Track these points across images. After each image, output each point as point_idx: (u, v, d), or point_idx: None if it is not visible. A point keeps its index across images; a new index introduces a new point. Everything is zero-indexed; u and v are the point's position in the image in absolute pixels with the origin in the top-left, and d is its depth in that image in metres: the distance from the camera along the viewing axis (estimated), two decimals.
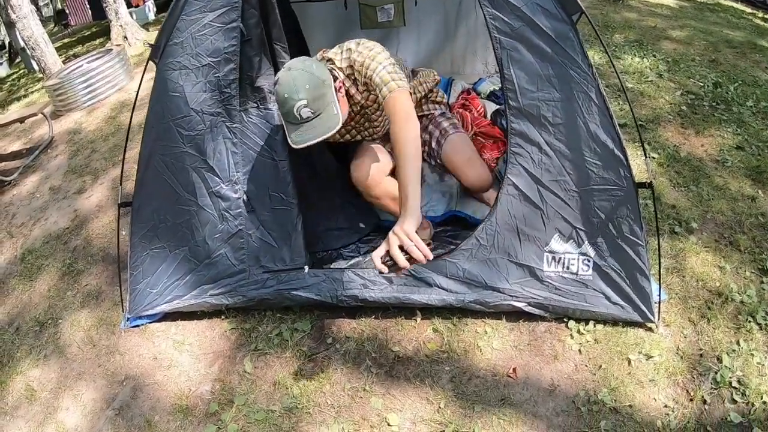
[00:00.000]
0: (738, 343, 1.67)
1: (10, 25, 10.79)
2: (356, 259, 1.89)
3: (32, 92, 6.85)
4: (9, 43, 11.31)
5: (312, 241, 1.87)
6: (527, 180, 1.53)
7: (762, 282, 1.92)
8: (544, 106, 1.49)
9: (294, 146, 1.40)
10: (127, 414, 1.76)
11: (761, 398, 1.50)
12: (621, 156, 1.52)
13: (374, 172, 1.72)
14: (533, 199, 1.53)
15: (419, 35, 2.94)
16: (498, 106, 2.48)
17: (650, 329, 1.68)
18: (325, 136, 1.39)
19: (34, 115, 4.47)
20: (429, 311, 1.72)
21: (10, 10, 5.70)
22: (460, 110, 2.35)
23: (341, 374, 1.64)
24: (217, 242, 1.79)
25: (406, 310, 1.73)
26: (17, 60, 10.67)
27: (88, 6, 8.36)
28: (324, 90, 1.41)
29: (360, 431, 1.49)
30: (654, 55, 4.21)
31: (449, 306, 1.65)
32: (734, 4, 7.62)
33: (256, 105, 1.64)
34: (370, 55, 1.48)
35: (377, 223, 2.04)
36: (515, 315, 1.68)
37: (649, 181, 1.54)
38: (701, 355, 1.64)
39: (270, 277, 1.77)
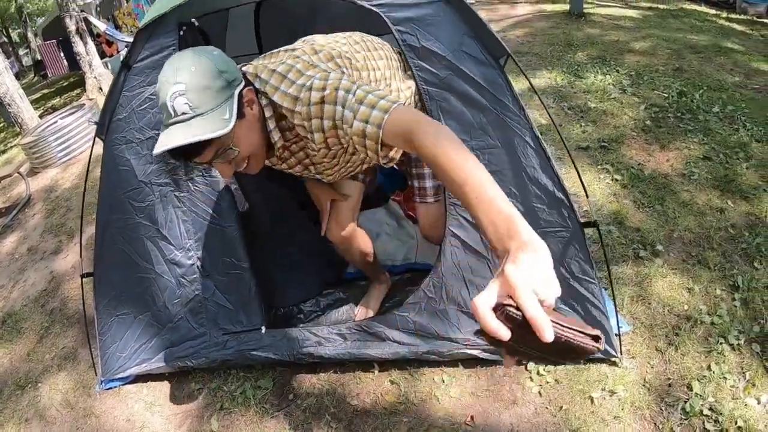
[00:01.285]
0: (709, 367, 1.64)
1: None
2: (315, 314, 1.90)
3: (11, 147, 6.93)
4: None
5: (271, 296, 1.89)
6: (469, 230, 1.54)
7: (733, 299, 1.88)
8: (480, 154, 1.51)
9: (153, 152, 1.04)
10: None
11: (735, 423, 1.47)
12: (562, 197, 1.53)
13: (348, 230, 1.63)
14: (476, 248, 1.54)
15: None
16: None
17: (614, 363, 1.65)
18: (194, 140, 0.99)
19: (10, 175, 4.54)
20: (386, 363, 1.72)
21: None
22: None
23: (302, 430, 1.64)
24: (177, 307, 1.81)
25: (364, 363, 1.73)
26: None
27: (63, 57, 8.52)
28: (218, 84, 1.03)
29: None
30: (617, 70, 4.24)
31: (404, 358, 1.65)
32: (698, 8, 7.70)
33: (201, 173, 1.67)
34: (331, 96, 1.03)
35: (337, 275, 2.06)
36: (472, 361, 1.67)
37: (593, 219, 1.55)
38: (669, 385, 1.61)
39: (230, 339, 1.78)
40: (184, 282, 1.77)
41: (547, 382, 1.62)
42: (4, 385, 2.41)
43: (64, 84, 10.28)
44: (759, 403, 1.52)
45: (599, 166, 2.82)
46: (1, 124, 9.14)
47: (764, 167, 2.74)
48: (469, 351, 1.60)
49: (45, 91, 10.38)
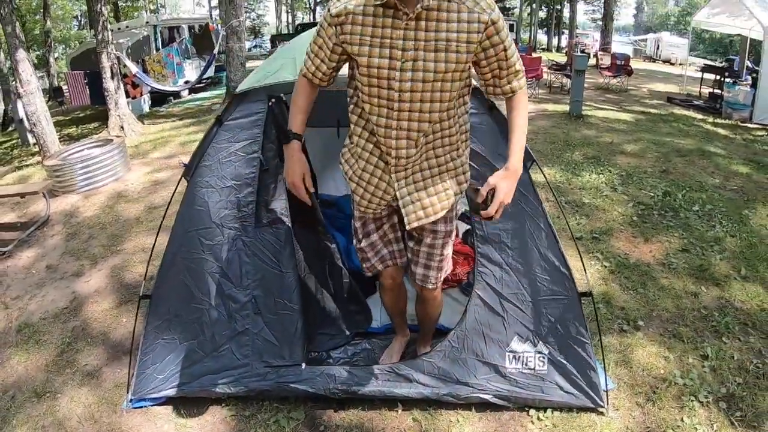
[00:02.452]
0: (682, 419, 2.06)
1: (7, 93, 11.46)
2: (343, 360, 2.25)
3: (26, 165, 7.27)
4: (4, 110, 11.90)
5: (304, 342, 2.21)
6: (490, 293, 1.95)
7: (703, 366, 2.35)
8: (503, 234, 1.97)
9: None
10: None
11: None
12: (565, 272, 1.97)
13: (400, 276, 2.01)
14: (496, 308, 1.95)
15: None
16: (468, 227, 2.97)
17: (601, 413, 2.06)
18: None
19: (36, 193, 4.82)
20: (409, 403, 2.08)
21: (18, 84, 6.19)
22: None
23: None
24: (224, 338, 2.14)
25: (389, 401, 2.07)
26: (9, 129, 11.19)
27: (87, 90, 9.08)
28: None
29: None
30: (609, 170, 4.88)
31: (426, 399, 1.99)
32: (687, 113, 8.61)
33: (268, 224, 2.06)
34: None
35: (363, 330, 2.43)
36: (483, 406, 2.06)
37: (589, 290, 1.97)
38: None
39: (270, 371, 2.10)
40: (237, 317, 2.11)
41: (546, 426, 2.00)
42: (18, 392, 2.53)
43: (80, 115, 10.79)
44: None
45: (590, 254, 3.31)
46: (15, 140, 9.41)
47: (736, 258, 3.28)
48: (482, 395, 1.98)
49: (60, 117, 10.85)
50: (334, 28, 1.53)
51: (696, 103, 9.46)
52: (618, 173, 4.75)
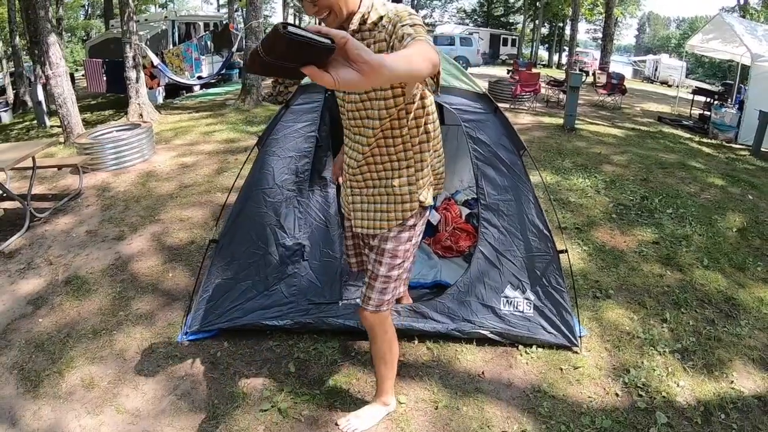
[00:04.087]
0: (643, 363, 2.65)
1: (20, 77, 11.98)
2: None
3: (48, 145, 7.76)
4: (16, 93, 12.40)
5: (342, 285, 2.80)
6: (490, 249, 2.57)
7: (663, 327, 2.96)
8: (502, 204, 2.59)
9: None
10: (189, 399, 2.37)
11: (661, 394, 2.43)
12: (547, 234, 2.60)
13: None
14: (494, 261, 2.57)
15: None
16: (470, 211, 3.63)
17: (576, 352, 2.66)
18: None
19: (72, 165, 5.36)
20: (424, 336, 2.67)
21: (47, 67, 6.69)
22: (444, 212, 3.50)
23: (363, 374, 2.52)
24: (275, 279, 2.71)
25: (408, 335, 2.66)
26: (21, 111, 11.70)
27: (105, 78, 9.65)
28: None
29: None
30: (595, 176, 5.59)
31: (437, 332, 2.59)
32: (675, 131, 9.32)
33: (319, 189, 2.66)
34: None
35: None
36: (482, 340, 2.67)
37: (564, 248, 2.60)
38: (614, 368, 2.61)
39: (312, 308, 2.68)
40: (288, 262, 2.69)
41: (532, 358, 2.61)
42: (73, 330, 2.91)
43: (92, 102, 11.32)
44: (678, 386, 2.50)
45: (573, 241, 3.97)
46: (26, 124, 9.87)
47: (700, 252, 3.94)
48: (481, 331, 2.59)
49: None
50: None
51: (685, 123, 10.20)
52: (603, 179, 5.43)
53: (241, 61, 10.90)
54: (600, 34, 32.19)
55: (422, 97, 1.71)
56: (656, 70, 25.13)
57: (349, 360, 2.61)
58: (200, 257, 3.51)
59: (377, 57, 0.90)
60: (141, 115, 7.92)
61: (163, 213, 4.59)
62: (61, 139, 6.98)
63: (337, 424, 2.21)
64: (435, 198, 2.09)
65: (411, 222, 1.86)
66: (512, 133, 2.63)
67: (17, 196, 4.51)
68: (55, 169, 5.82)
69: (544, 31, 35.89)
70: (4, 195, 4.72)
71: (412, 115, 1.70)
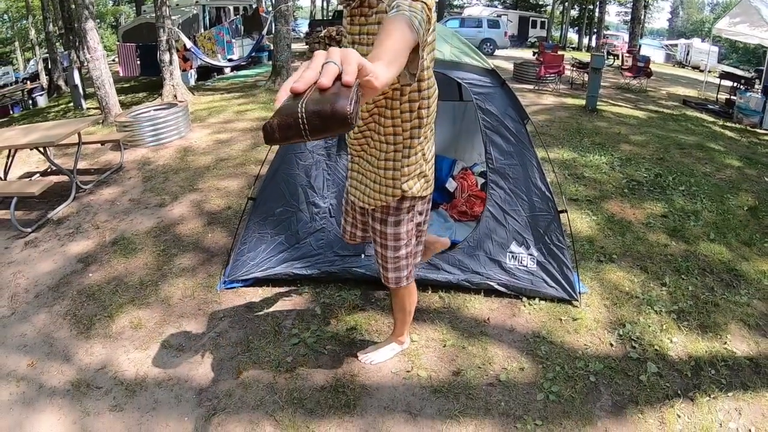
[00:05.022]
0: (639, 319, 2.88)
1: (54, 62, 12.60)
2: None
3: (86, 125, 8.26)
4: (50, 77, 13.04)
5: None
6: (497, 208, 2.87)
7: (661, 290, 3.18)
8: (507, 168, 2.88)
9: None
10: (227, 336, 2.75)
11: (653, 347, 2.68)
12: (549, 195, 2.89)
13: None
14: (500, 219, 2.87)
15: (436, 131, 4.52)
16: (485, 180, 3.90)
17: (576, 306, 2.94)
18: None
19: (115, 141, 5.82)
20: (436, 286, 2.99)
21: (86, 51, 7.12)
22: (461, 180, 3.83)
23: (381, 317, 2.87)
24: (305, 234, 3.06)
25: (422, 285, 2.98)
26: (55, 95, 12.33)
27: (138, 62, 10.11)
28: None
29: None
30: (612, 154, 5.78)
31: (449, 283, 2.92)
32: (698, 114, 9.28)
33: (346, 153, 2.98)
34: None
35: None
36: (488, 292, 2.99)
37: (564, 208, 2.88)
38: (611, 322, 2.87)
39: (338, 259, 3.02)
40: (317, 218, 3.04)
41: (534, 309, 2.90)
42: (121, 282, 3.30)
43: (125, 85, 11.86)
44: (671, 341, 2.74)
45: (583, 211, 4.21)
46: (62, 106, 10.42)
47: (708, 227, 4.08)
48: (488, 282, 2.90)
49: None
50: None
51: (710, 107, 10.13)
52: (619, 157, 5.61)
53: (271, 44, 11.23)
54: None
55: (419, 80, 1.64)
56: (688, 54, 24.60)
57: (369, 305, 2.96)
58: (236, 220, 3.89)
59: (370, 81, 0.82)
60: (175, 96, 8.34)
61: (201, 183, 4.99)
62: (99, 120, 7.43)
63: (356, 356, 2.56)
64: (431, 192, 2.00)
65: (395, 207, 1.86)
66: (517, 104, 2.91)
67: (65, 169, 4.94)
68: (98, 145, 6.28)
69: (574, 13, 35.31)
70: (52, 169, 5.16)
71: (406, 97, 1.66)
